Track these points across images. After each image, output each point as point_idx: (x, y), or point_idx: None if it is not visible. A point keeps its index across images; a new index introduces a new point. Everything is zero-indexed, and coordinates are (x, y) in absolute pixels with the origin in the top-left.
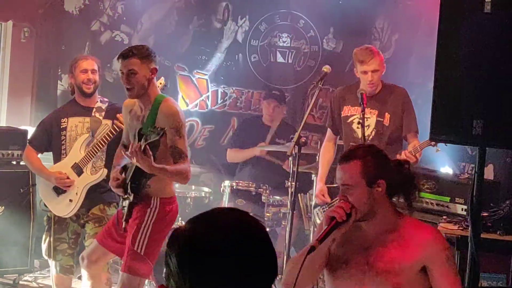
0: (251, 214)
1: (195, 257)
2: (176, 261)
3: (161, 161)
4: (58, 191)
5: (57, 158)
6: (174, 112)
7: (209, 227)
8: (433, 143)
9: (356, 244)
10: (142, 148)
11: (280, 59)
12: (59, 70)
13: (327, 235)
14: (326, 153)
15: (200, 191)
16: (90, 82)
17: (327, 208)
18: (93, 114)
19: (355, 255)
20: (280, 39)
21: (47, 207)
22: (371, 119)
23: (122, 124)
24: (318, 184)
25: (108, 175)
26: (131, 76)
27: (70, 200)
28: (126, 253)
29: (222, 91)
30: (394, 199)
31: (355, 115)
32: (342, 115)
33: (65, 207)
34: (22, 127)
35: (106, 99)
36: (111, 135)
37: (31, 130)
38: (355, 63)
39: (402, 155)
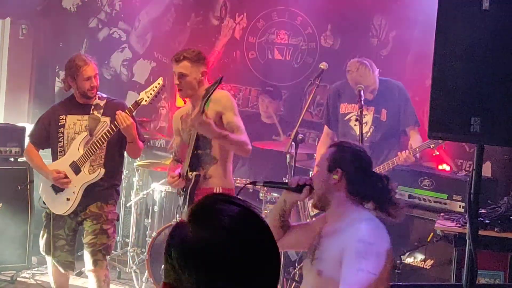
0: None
1: (198, 253)
2: (178, 256)
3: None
4: (56, 189)
5: (55, 156)
6: (224, 95)
7: (211, 221)
8: (432, 145)
9: (316, 232)
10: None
11: (277, 56)
12: (57, 67)
13: (272, 185)
14: (322, 149)
15: None
16: (94, 88)
17: None
18: (91, 112)
19: (311, 242)
20: (278, 36)
21: (45, 204)
22: (368, 116)
23: (123, 123)
24: None
25: (106, 174)
26: (181, 78)
27: (68, 199)
28: None
29: (220, 88)
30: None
31: (352, 112)
32: (339, 113)
33: (63, 205)
34: (20, 124)
35: (104, 95)
36: (109, 134)
37: (29, 127)
38: (351, 82)
39: (402, 155)
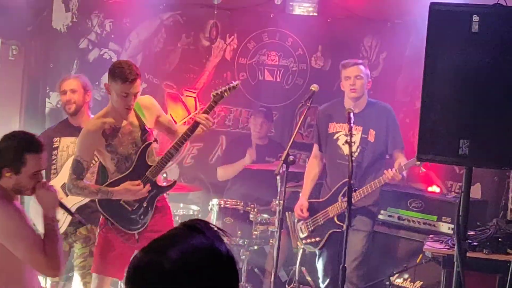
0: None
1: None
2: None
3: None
4: None
5: (48, 178)
6: (151, 99)
7: (178, 260)
8: (418, 162)
9: None
10: None
11: (268, 77)
12: (48, 88)
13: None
14: (311, 170)
15: (188, 209)
16: (69, 103)
17: (310, 222)
18: None
19: None
20: (269, 57)
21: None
22: (356, 136)
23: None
24: (300, 199)
25: None
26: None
27: (57, 220)
28: None
29: None
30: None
31: (340, 131)
32: (328, 132)
33: None
34: None
35: None
36: None
37: None
38: (340, 72)
39: (389, 173)
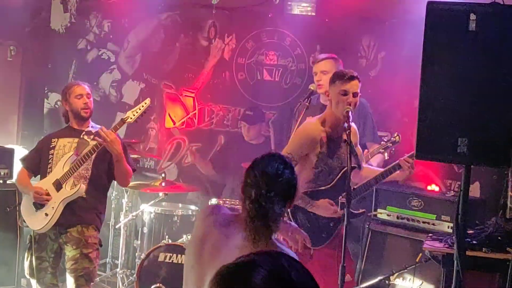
0: None
1: None
2: None
3: None
4: (37, 206)
5: (43, 176)
6: None
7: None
8: (381, 150)
9: None
10: None
11: (267, 77)
12: (46, 88)
13: None
14: None
15: (187, 209)
16: (87, 107)
17: None
18: (81, 136)
19: None
20: (267, 57)
21: (25, 222)
22: None
23: (106, 138)
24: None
25: (88, 195)
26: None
27: (46, 214)
28: None
29: (209, 109)
30: None
31: None
32: None
33: (41, 221)
34: (9, 146)
35: (98, 126)
36: (92, 152)
37: (17, 149)
38: (314, 71)
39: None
